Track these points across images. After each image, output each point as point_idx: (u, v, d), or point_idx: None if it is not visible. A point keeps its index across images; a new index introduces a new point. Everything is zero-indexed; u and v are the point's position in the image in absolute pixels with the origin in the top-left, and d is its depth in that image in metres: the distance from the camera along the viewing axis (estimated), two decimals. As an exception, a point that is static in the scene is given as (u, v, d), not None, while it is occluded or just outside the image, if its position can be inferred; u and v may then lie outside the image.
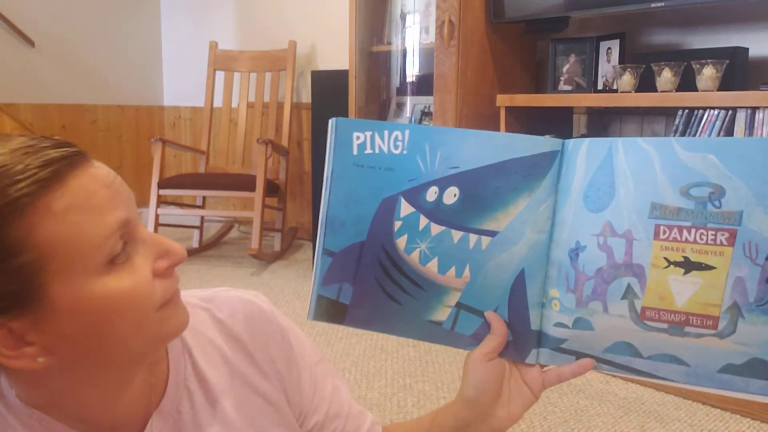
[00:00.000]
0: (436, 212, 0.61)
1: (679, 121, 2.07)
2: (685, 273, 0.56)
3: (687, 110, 2.06)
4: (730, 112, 1.98)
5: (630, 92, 2.21)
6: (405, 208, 0.62)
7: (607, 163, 0.58)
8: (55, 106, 4.07)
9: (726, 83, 2.04)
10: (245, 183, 3.41)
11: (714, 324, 0.56)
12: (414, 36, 2.84)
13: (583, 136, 2.58)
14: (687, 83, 2.09)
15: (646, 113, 2.49)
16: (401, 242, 0.62)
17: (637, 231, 0.57)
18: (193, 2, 4.48)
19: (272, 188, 3.58)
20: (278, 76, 3.82)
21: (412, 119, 2.92)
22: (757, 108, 1.91)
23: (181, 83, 4.57)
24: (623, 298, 0.58)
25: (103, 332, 0.51)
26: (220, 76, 3.92)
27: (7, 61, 3.85)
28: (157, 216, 3.39)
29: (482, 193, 0.61)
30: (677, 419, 1.87)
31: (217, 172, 3.84)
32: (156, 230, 3.46)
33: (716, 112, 2.00)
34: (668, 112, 2.37)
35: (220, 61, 3.91)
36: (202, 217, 3.87)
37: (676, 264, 0.56)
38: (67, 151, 0.50)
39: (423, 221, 0.62)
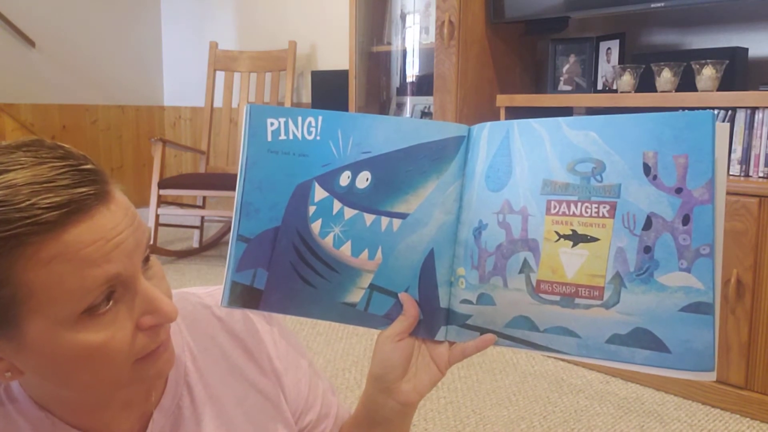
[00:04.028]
0: (350, 196, 0.63)
1: (679, 122, 2.08)
2: (574, 245, 0.59)
3: (686, 110, 2.06)
4: (729, 112, 1.98)
5: (630, 92, 2.21)
6: (319, 193, 0.63)
7: (504, 145, 0.61)
8: (55, 106, 4.07)
9: (726, 83, 2.04)
10: (245, 183, 3.40)
11: (600, 294, 0.58)
12: (414, 36, 2.84)
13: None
14: (687, 83, 2.09)
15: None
16: (316, 227, 0.63)
17: (531, 207, 0.60)
18: (193, 2, 4.48)
19: (272, 188, 3.57)
20: (278, 77, 3.82)
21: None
22: (757, 108, 1.92)
23: (182, 83, 4.57)
24: (520, 272, 0.60)
25: (67, 375, 0.52)
26: (220, 76, 3.92)
27: (8, 61, 3.86)
28: (157, 216, 3.39)
29: (393, 176, 0.62)
30: (677, 419, 1.87)
31: (218, 172, 3.84)
32: (156, 230, 3.46)
33: (716, 112, 2.00)
34: (668, 113, 2.37)
35: (221, 61, 3.92)
36: (203, 217, 3.87)
37: (565, 237, 0.59)
38: (82, 194, 0.48)
39: (337, 205, 0.63)
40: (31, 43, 3.96)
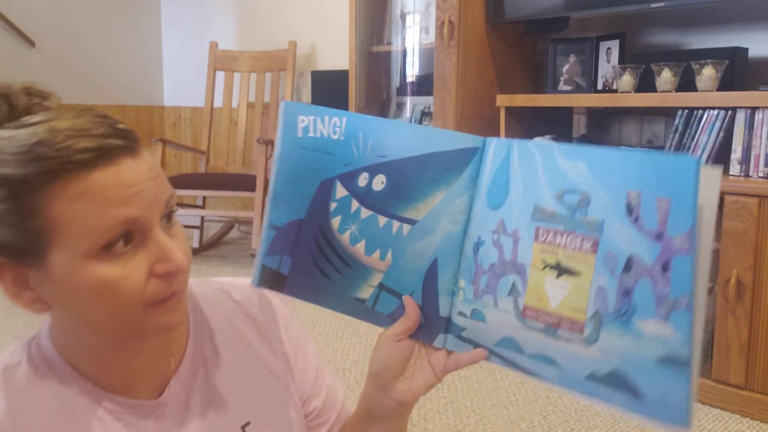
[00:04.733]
0: (366, 197, 0.64)
1: (679, 122, 2.08)
2: (558, 276, 0.58)
3: (686, 110, 2.07)
4: (729, 112, 1.98)
5: (630, 92, 2.21)
6: (340, 191, 0.65)
7: (505, 163, 0.61)
8: (55, 106, 4.06)
9: (725, 83, 2.04)
10: (245, 183, 3.41)
11: (581, 329, 0.57)
12: (414, 36, 2.84)
13: (582, 136, 2.58)
14: (687, 83, 2.09)
15: (645, 113, 2.49)
16: (335, 222, 0.65)
17: (522, 231, 0.59)
18: (193, 2, 4.48)
19: (272, 188, 3.57)
20: (278, 77, 3.82)
21: (412, 119, 2.92)
22: (757, 108, 1.92)
23: (182, 83, 4.57)
24: (509, 294, 0.60)
25: (85, 308, 0.58)
26: (220, 76, 3.92)
27: (8, 61, 3.85)
28: (157, 216, 3.39)
29: (406, 182, 0.63)
30: (677, 419, 1.87)
31: (218, 172, 3.84)
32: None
33: (716, 112, 2.00)
34: (668, 113, 2.37)
35: (221, 61, 3.92)
36: (203, 217, 3.87)
37: (551, 266, 0.58)
38: (112, 144, 0.55)
39: (354, 204, 0.64)
40: (31, 43, 3.96)
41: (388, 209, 0.64)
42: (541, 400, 1.98)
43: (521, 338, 0.60)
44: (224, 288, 0.76)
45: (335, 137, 0.64)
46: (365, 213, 0.64)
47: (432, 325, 0.66)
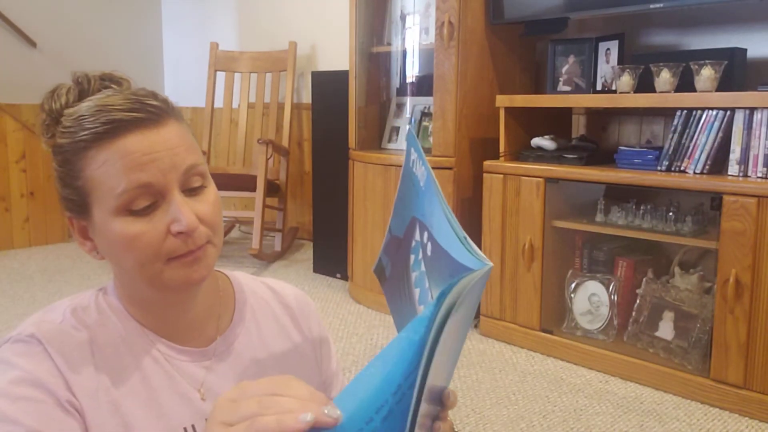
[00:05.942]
0: (424, 254, 0.61)
1: (678, 122, 2.08)
2: None
3: (685, 111, 2.07)
4: (728, 112, 1.98)
5: (629, 93, 2.22)
6: (418, 235, 0.64)
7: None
8: (56, 106, 4.07)
9: (724, 84, 2.05)
10: (246, 183, 3.41)
11: None
12: (414, 37, 2.84)
13: (582, 136, 2.59)
14: (685, 84, 2.09)
15: (644, 114, 2.50)
16: (411, 259, 0.65)
17: None
18: (194, 3, 4.49)
19: (273, 188, 3.58)
20: (279, 77, 3.83)
21: (413, 119, 2.93)
22: (755, 108, 1.92)
23: (182, 84, 4.58)
24: None
25: (118, 257, 0.68)
26: (220, 76, 3.93)
27: (9, 61, 3.86)
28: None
29: (435, 262, 0.57)
30: (676, 418, 1.88)
31: (218, 172, 3.84)
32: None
33: (714, 112, 2.01)
34: (667, 113, 2.38)
35: (221, 61, 3.92)
36: (203, 218, 3.88)
37: None
38: (133, 116, 0.64)
39: (420, 253, 0.62)
40: (33, 44, 3.97)
41: (428, 277, 0.59)
42: (541, 399, 1.99)
43: None
44: (264, 281, 0.86)
45: (421, 185, 0.63)
46: (423, 267, 0.61)
47: None
